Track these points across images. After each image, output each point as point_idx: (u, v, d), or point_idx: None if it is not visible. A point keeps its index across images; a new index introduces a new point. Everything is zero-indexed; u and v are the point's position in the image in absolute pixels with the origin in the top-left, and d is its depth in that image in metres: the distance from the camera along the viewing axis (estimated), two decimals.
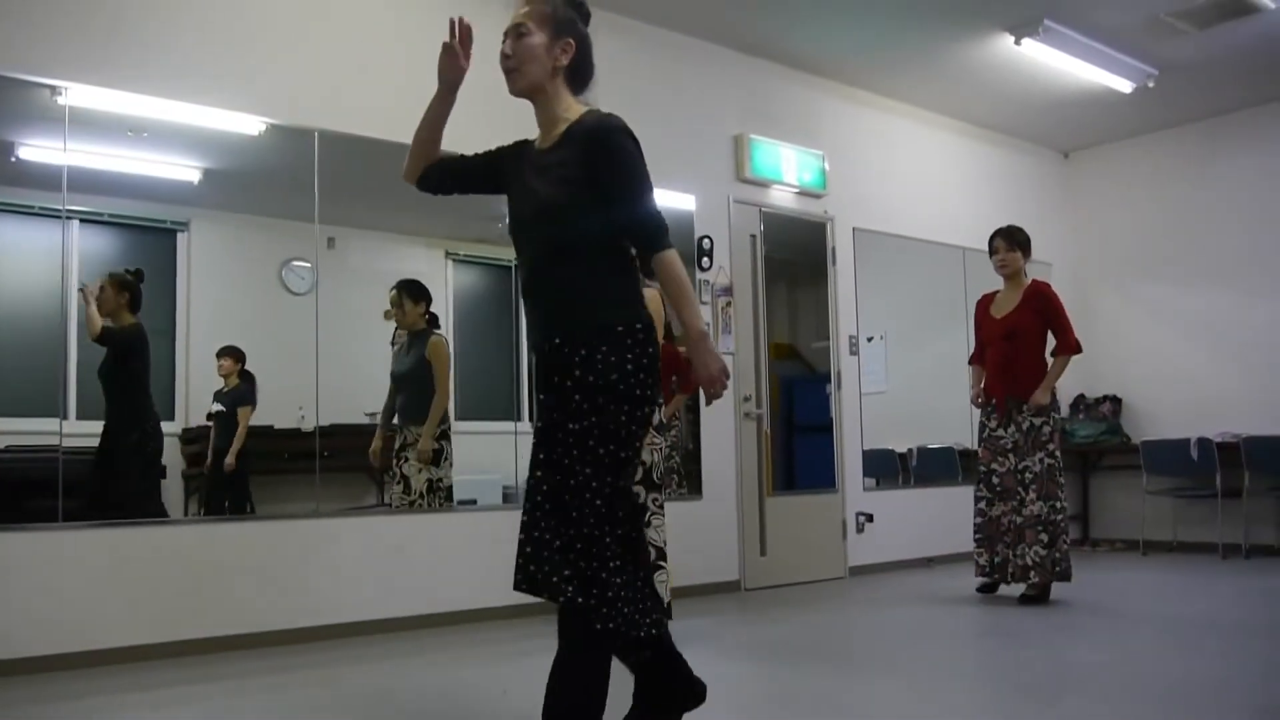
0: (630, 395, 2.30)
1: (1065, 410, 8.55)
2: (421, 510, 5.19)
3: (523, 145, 2.61)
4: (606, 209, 2.35)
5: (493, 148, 2.68)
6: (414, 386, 5.29)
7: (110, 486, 4.50)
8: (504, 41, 2.47)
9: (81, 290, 4.52)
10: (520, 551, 2.27)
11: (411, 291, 5.33)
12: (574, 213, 2.34)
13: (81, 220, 4.55)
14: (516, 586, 2.28)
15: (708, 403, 2.36)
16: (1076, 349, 5.29)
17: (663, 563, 4.32)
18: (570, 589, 2.22)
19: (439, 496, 5.21)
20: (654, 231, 2.34)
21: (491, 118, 2.55)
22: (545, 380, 2.39)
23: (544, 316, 2.40)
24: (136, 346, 4.64)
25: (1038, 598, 5.26)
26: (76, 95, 4.27)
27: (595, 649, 2.27)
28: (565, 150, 2.39)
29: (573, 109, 2.46)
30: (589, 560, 2.24)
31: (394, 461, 5.23)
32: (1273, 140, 7.73)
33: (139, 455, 4.62)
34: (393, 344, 5.48)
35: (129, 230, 4.86)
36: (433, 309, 5.39)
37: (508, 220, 2.53)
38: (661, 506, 4.41)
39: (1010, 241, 5.42)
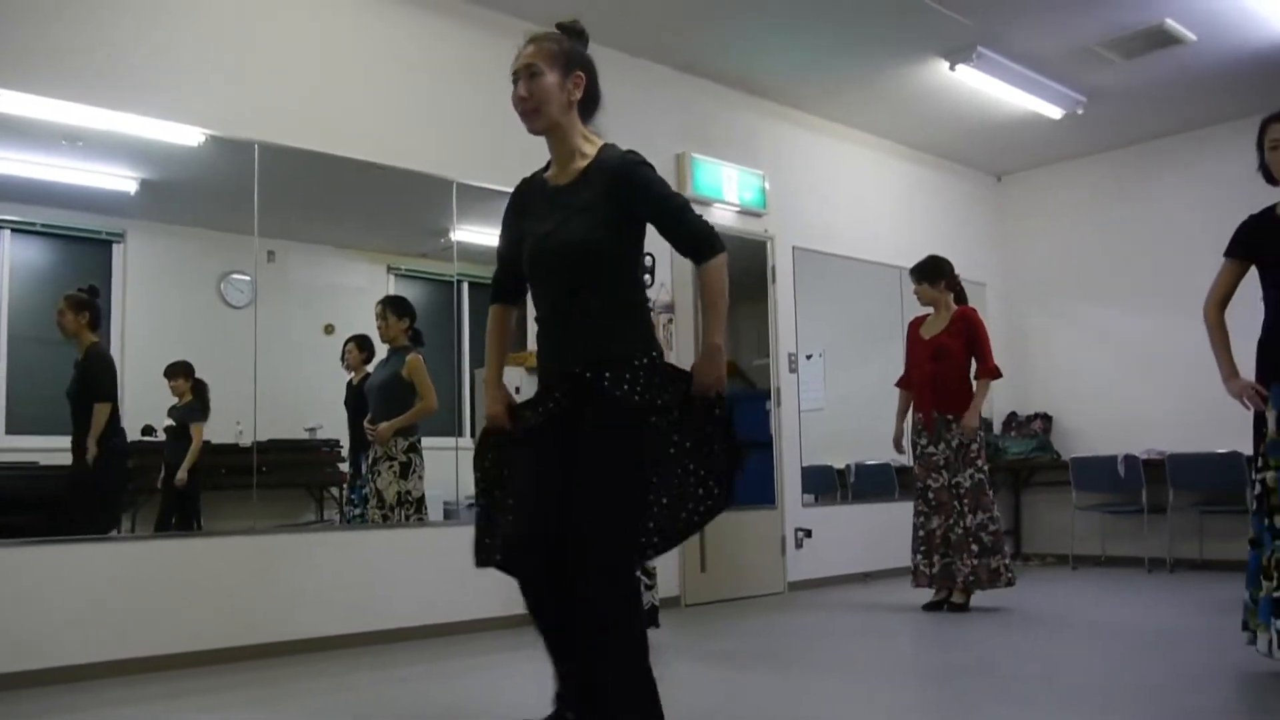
0: (646, 419, 2.45)
1: (998, 428, 8.73)
2: (364, 527, 5.15)
3: (528, 184, 2.70)
4: (631, 240, 2.52)
5: (505, 220, 2.75)
6: (384, 400, 5.29)
7: (76, 503, 4.44)
8: (516, 84, 2.53)
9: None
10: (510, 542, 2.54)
11: (395, 307, 5.37)
12: (600, 250, 2.47)
13: (13, 230, 4.47)
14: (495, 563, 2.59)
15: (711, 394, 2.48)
16: (995, 374, 5.56)
17: (646, 579, 4.45)
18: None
19: (408, 509, 5.19)
20: (704, 242, 2.50)
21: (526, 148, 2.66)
22: (560, 401, 2.52)
23: (567, 348, 2.52)
24: (97, 367, 4.57)
25: (964, 605, 5.51)
26: (8, 102, 4.17)
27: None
28: (588, 189, 2.50)
29: (589, 142, 2.58)
30: (597, 554, 2.40)
31: (368, 476, 5.23)
32: (1195, 166, 7.99)
33: (105, 473, 4.55)
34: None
35: (63, 241, 4.78)
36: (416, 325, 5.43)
37: (525, 256, 2.60)
38: None
39: (920, 276, 5.72)
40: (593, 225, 2.46)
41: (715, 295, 2.48)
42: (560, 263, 2.50)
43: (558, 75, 2.51)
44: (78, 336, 4.54)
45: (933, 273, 5.69)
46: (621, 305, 2.51)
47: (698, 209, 6.86)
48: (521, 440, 2.61)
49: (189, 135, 4.67)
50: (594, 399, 2.45)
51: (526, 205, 2.65)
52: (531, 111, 2.51)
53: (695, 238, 2.50)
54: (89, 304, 4.58)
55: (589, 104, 2.61)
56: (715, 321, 2.47)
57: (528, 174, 2.79)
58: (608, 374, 2.43)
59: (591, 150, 2.55)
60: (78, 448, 4.47)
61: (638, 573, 2.54)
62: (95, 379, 4.55)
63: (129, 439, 4.77)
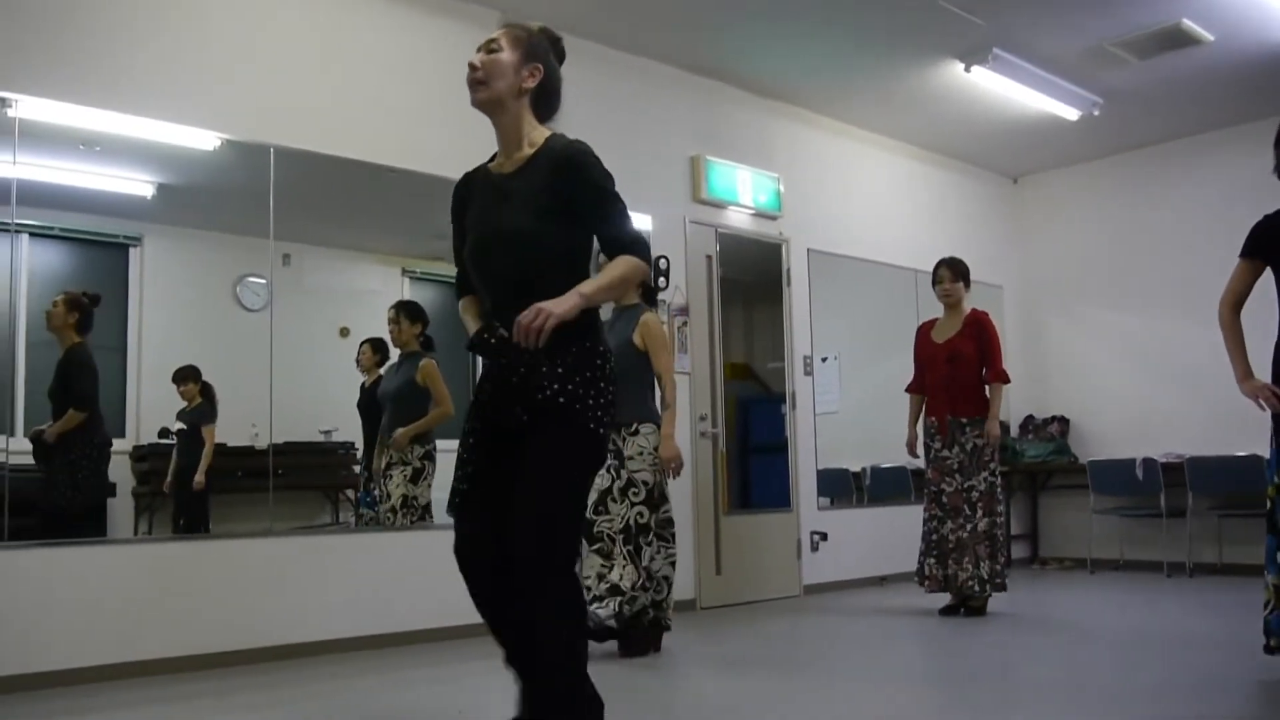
0: (588, 413, 2.37)
1: (1015, 431, 8.69)
2: (374, 530, 5.16)
3: (472, 175, 2.64)
4: (578, 232, 2.42)
5: (453, 217, 2.67)
6: (400, 406, 5.30)
7: (48, 505, 4.40)
8: (475, 55, 2.50)
9: None
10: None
11: (409, 311, 5.37)
12: (542, 240, 2.39)
13: (31, 234, 4.49)
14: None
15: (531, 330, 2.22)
16: (1004, 379, 5.56)
17: (646, 582, 4.39)
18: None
19: (413, 514, 5.20)
20: (632, 248, 2.39)
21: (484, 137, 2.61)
22: (501, 395, 2.42)
23: (515, 346, 2.35)
24: (73, 370, 4.51)
25: (981, 609, 5.50)
26: (27, 108, 4.21)
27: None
28: (532, 176, 2.44)
29: (537, 132, 2.51)
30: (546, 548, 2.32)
31: (380, 478, 5.25)
32: (1213, 167, 7.94)
33: (79, 475, 4.51)
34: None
35: (81, 245, 4.80)
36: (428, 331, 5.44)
37: (467, 246, 2.54)
38: (663, 525, 4.49)
39: (955, 272, 5.68)
40: (535, 214, 2.39)
41: (615, 270, 2.36)
42: (502, 255, 2.42)
43: (515, 58, 2.47)
44: (60, 334, 4.49)
45: (967, 275, 5.70)
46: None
47: (714, 211, 6.94)
48: (471, 432, 2.53)
49: (205, 139, 4.70)
50: (531, 400, 2.36)
51: (471, 198, 2.58)
52: (478, 82, 2.46)
53: (624, 240, 2.39)
54: (83, 307, 4.53)
55: (545, 103, 2.55)
56: (600, 286, 2.33)
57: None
58: (545, 371, 2.34)
59: (539, 139, 2.49)
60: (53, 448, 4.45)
61: (577, 580, 2.42)
62: (73, 381, 4.50)
63: (142, 443, 4.80)
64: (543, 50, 2.54)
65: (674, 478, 4.52)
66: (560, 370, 2.36)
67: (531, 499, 2.33)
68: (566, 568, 2.36)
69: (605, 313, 4.70)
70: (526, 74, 2.49)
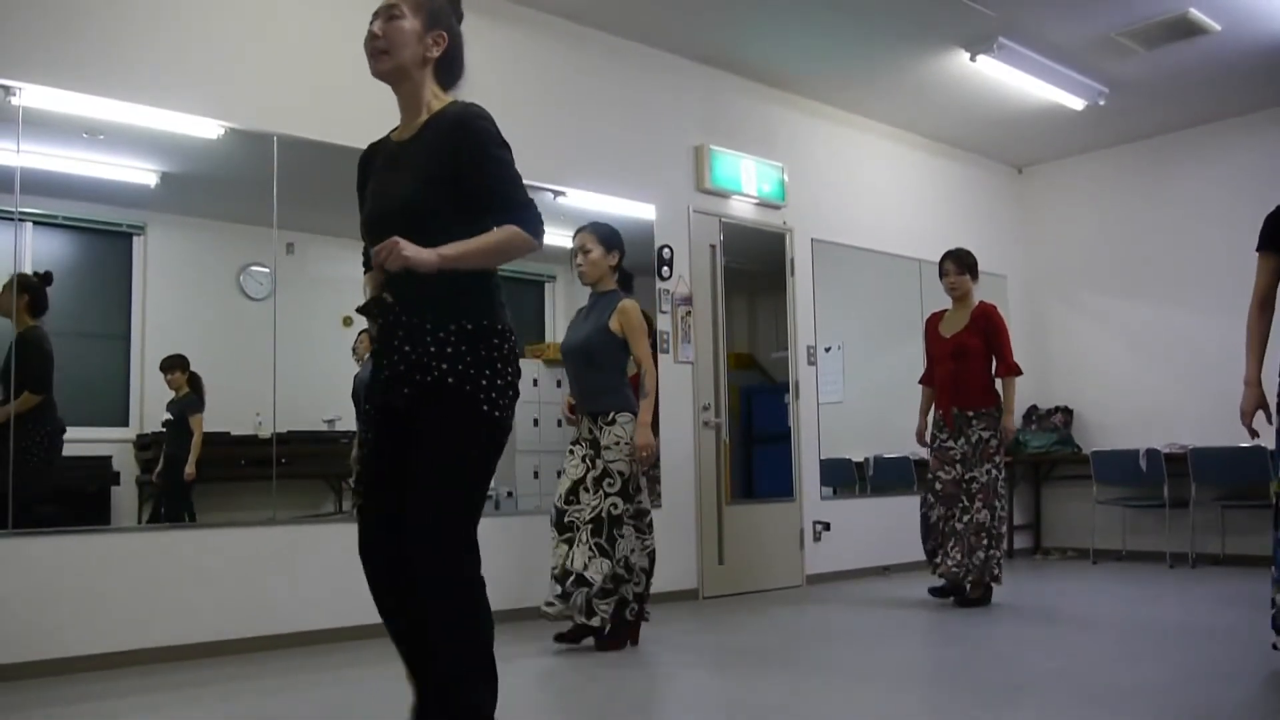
0: (480, 394, 2.29)
1: (1018, 421, 8.67)
2: None
3: (375, 146, 2.57)
4: (473, 199, 2.32)
5: (358, 189, 2.61)
6: None
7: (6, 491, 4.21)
8: (373, 22, 2.41)
9: None
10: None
11: None
12: (430, 209, 2.30)
13: (35, 223, 4.48)
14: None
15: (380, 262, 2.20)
16: (1016, 371, 5.54)
17: (625, 574, 4.31)
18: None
19: None
20: (512, 215, 2.30)
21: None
22: (391, 374, 2.34)
23: (402, 321, 2.33)
24: (28, 351, 4.38)
25: (980, 600, 5.49)
26: (31, 96, 4.21)
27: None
28: (423, 143, 2.36)
29: (437, 100, 2.43)
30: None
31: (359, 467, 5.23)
32: (1218, 158, 7.90)
33: (32, 462, 4.34)
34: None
35: (84, 233, 4.80)
36: None
37: (364, 218, 2.46)
38: (637, 517, 4.39)
39: (960, 265, 5.65)
40: (424, 183, 2.30)
41: (489, 236, 2.27)
42: (391, 225, 2.27)
43: (418, 25, 2.37)
44: (11, 317, 4.36)
45: (974, 266, 5.68)
46: (459, 274, 2.28)
47: (717, 200, 6.91)
48: (364, 413, 2.47)
49: (209, 128, 4.69)
50: (419, 379, 2.29)
51: (372, 169, 2.50)
52: (380, 52, 2.36)
53: (509, 210, 2.29)
54: (33, 288, 4.40)
55: (449, 71, 2.47)
56: (459, 245, 2.23)
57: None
58: (433, 350, 2.27)
59: (438, 106, 2.40)
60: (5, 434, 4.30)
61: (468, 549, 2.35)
62: (27, 363, 4.36)
63: (146, 431, 4.80)
64: (445, 15, 2.45)
65: (645, 468, 4.43)
66: (449, 350, 2.28)
67: (421, 485, 2.27)
68: (458, 555, 2.30)
69: (583, 298, 4.63)
70: (430, 41, 2.40)
